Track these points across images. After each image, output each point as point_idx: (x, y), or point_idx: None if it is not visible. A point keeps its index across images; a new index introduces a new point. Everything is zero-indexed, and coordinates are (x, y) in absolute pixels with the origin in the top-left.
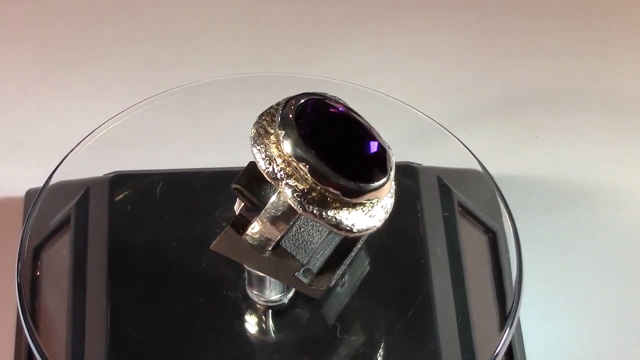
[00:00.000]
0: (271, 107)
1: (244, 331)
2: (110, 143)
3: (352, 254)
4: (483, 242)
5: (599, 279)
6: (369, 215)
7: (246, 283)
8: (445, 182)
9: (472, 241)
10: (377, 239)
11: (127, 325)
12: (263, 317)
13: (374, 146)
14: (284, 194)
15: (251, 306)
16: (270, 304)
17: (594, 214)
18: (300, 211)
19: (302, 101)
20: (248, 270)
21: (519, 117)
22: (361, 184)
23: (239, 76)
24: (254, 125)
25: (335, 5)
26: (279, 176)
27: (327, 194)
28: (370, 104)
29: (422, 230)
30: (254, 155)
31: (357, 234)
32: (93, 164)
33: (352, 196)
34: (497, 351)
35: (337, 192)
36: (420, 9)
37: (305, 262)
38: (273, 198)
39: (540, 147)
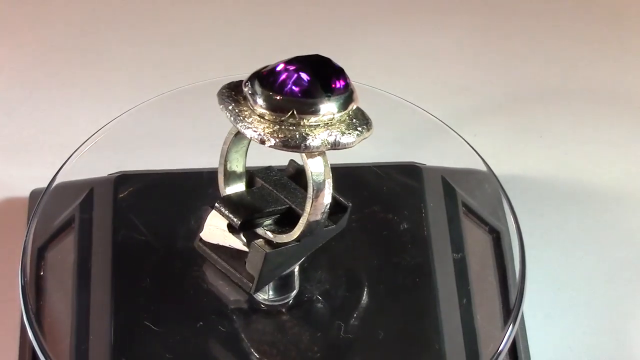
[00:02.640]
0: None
1: (249, 331)
2: (114, 143)
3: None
4: (487, 242)
5: (604, 279)
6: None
7: (271, 290)
8: (450, 182)
9: (476, 241)
10: (382, 239)
11: (131, 325)
12: (268, 316)
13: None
14: (319, 153)
15: (256, 306)
16: (275, 304)
17: (599, 214)
18: (342, 148)
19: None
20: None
21: (523, 116)
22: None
23: (242, 76)
24: (247, 129)
25: (339, 4)
26: (309, 143)
27: (350, 120)
28: (375, 103)
29: (426, 230)
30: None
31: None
32: (97, 164)
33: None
34: (500, 348)
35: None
36: (426, 8)
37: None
38: (310, 179)
39: (545, 147)
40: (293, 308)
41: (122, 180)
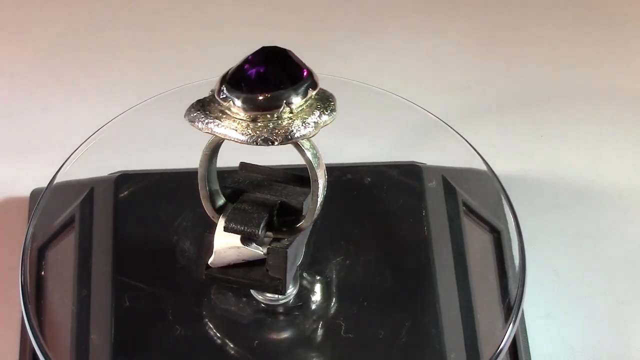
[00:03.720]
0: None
1: (249, 330)
2: (114, 143)
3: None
4: (488, 241)
5: (604, 279)
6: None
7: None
8: (450, 181)
9: (477, 241)
10: (382, 239)
11: (132, 325)
12: (268, 316)
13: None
14: (305, 146)
15: (256, 306)
16: (275, 303)
17: (599, 214)
18: (330, 122)
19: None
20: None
21: (524, 116)
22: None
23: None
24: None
25: (340, 3)
26: (309, 130)
27: (320, 96)
28: (376, 102)
29: (427, 229)
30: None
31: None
32: (98, 164)
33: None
34: (501, 347)
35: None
36: (426, 7)
37: None
38: (310, 163)
39: (545, 146)
40: (293, 308)
41: (123, 179)
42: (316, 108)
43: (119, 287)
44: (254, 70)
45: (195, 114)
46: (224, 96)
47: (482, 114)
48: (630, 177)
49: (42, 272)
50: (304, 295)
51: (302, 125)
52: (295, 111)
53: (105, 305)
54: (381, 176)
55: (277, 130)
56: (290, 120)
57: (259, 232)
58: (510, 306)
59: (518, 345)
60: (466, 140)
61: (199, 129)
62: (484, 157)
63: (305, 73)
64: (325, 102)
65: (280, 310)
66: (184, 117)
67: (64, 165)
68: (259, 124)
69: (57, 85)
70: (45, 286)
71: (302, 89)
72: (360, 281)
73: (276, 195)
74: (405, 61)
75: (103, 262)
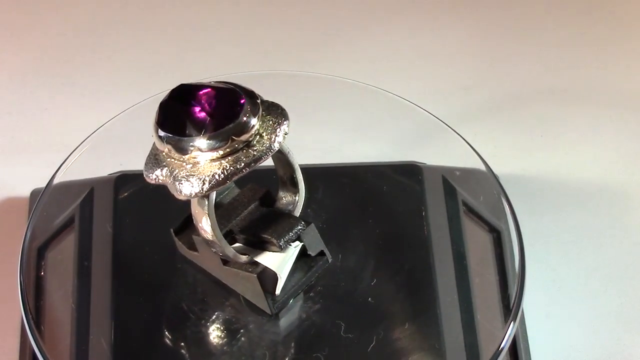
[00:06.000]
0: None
1: (248, 331)
2: (114, 143)
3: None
4: (487, 241)
5: (604, 279)
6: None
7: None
8: (450, 181)
9: (476, 241)
10: (382, 239)
11: (131, 326)
12: (268, 316)
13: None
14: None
15: (256, 305)
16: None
17: (599, 214)
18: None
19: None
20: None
21: (523, 116)
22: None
23: (244, 74)
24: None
25: (341, 3)
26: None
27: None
28: (375, 102)
29: (427, 229)
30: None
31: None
32: (97, 164)
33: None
34: (501, 347)
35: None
36: (426, 8)
37: None
38: (288, 154)
39: (545, 147)
40: (293, 308)
41: (123, 179)
42: (265, 106)
43: (119, 287)
44: (205, 110)
45: (190, 186)
46: (210, 146)
47: (482, 114)
48: (630, 177)
49: (42, 272)
50: (303, 295)
51: (277, 126)
52: (262, 119)
53: (105, 306)
54: (381, 176)
55: (265, 143)
56: (266, 128)
57: (303, 224)
58: (510, 306)
59: (518, 345)
60: (465, 141)
61: (203, 195)
62: (483, 157)
63: (232, 86)
64: (272, 103)
65: (280, 310)
66: (181, 198)
67: (64, 165)
68: (252, 149)
69: (57, 85)
70: (45, 286)
71: (255, 97)
72: (360, 281)
73: (246, 201)
74: (404, 61)
75: (103, 262)
